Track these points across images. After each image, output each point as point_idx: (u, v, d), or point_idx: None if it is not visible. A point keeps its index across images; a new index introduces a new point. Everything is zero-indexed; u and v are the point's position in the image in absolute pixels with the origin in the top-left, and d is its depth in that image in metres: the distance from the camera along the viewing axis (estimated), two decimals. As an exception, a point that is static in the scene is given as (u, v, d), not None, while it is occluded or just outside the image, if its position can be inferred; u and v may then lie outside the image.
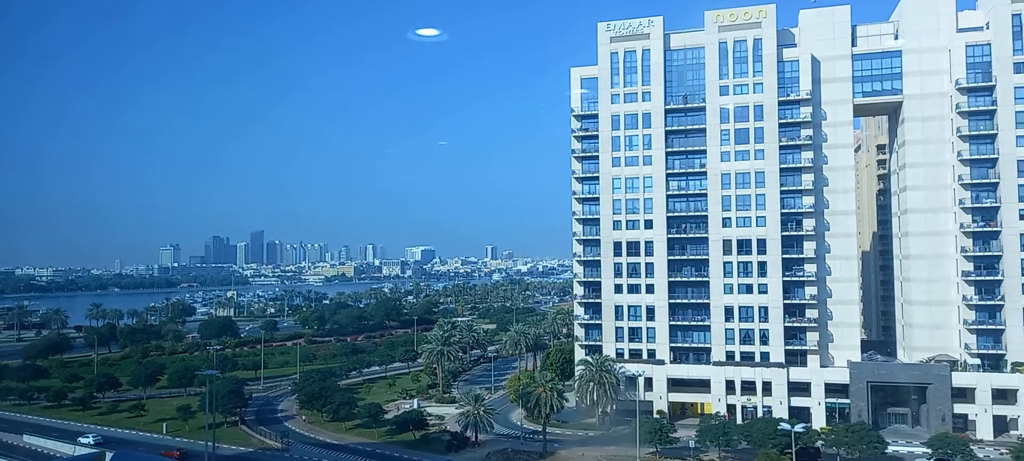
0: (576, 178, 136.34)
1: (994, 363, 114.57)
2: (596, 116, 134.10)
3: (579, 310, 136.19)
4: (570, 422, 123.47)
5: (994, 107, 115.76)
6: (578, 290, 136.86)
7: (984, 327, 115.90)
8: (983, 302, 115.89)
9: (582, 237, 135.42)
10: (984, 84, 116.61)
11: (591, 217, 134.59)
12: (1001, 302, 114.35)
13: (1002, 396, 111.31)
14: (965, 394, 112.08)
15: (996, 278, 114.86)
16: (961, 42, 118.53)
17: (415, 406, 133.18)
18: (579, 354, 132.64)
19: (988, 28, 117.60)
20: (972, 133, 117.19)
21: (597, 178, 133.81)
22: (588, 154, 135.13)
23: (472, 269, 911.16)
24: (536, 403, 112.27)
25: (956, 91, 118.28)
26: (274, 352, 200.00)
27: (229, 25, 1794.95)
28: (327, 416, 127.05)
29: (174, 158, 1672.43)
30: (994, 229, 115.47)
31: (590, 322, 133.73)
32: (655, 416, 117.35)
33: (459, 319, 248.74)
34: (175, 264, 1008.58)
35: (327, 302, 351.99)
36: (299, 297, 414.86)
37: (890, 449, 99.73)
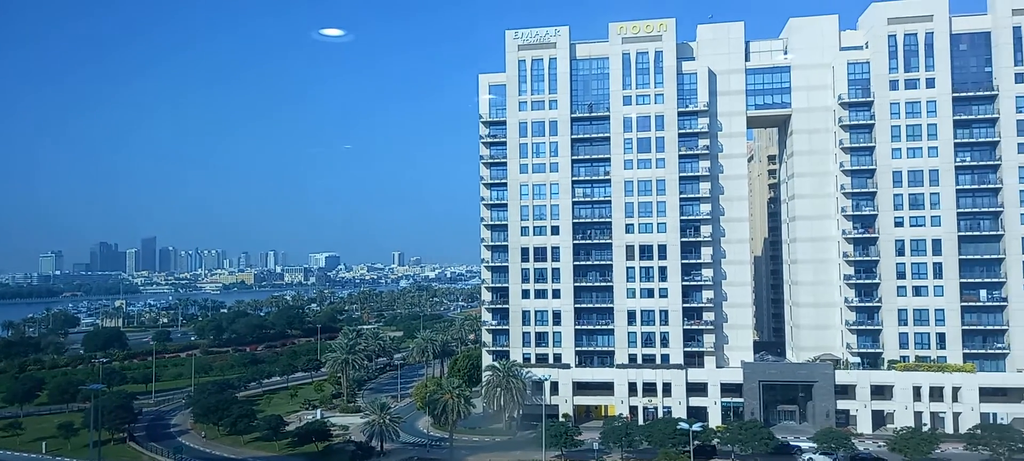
0: (485, 184, 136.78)
1: (873, 361, 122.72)
2: (504, 123, 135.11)
3: (487, 316, 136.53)
4: (477, 428, 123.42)
5: (872, 121, 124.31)
6: (486, 296, 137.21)
7: (864, 327, 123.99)
8: (863, 304, 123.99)
9: (490, 243, 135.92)
10: (864, 99, 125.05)
11: (499, 223, 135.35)
12: (879, 304, 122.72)
13: (879, 392, 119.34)
14: (847, 391, 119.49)
15: (874, 281, 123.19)
16: (843, 60, 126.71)
17: (318, 417, 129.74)
18: (487, 360, 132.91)
19: (867, 48, 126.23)
20: (853, 145, 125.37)
21: (505, 184, 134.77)
22: (496, 160, 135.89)
23: (378, 275, 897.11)
24: (443, 410, 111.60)
25: (839, 106, 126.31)
26: (167, 364, 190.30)
27: (124, 22, 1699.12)
28: (224, 429, 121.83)
29: (58, 160, 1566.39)
30: (872, 235, 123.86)
31: (498, 327, 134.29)
32: (560, 420, 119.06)
33: (365, 327, 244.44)
34: (57, 272, 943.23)
35: (225, 311, 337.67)
36: (194, 306, 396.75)
37: (779, 445, 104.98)
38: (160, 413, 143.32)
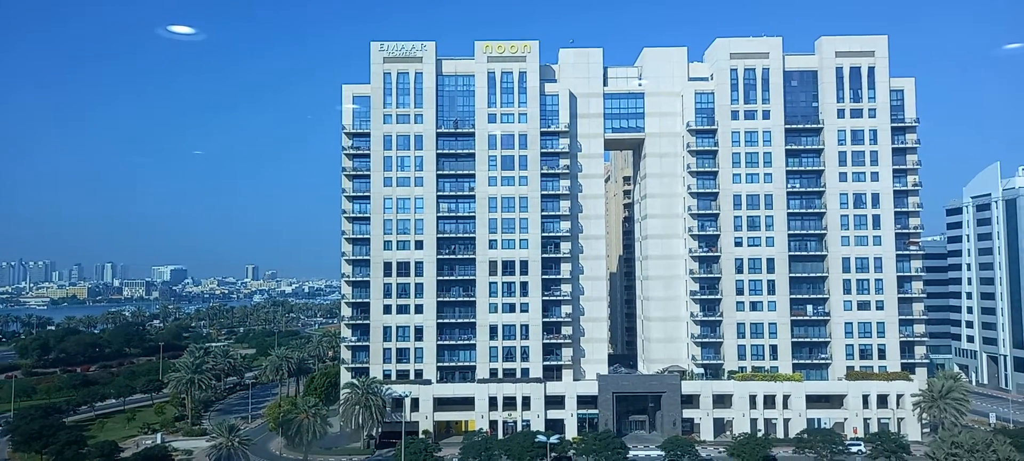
0: (346, 197, 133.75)
1: (715, 372, 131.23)
2: (368, 135, 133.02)
3: (347, 332, 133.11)
4: (334, 448, 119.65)
5: (716, 147, 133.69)
6: (346, 311, 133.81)
7: (707, 340, 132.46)
8: (706, 318, 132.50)
9: (352, 257, 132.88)
10: (709, 127, 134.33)
11: (361, 237, 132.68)
12: (720, 318, 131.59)
13: (721, 401, 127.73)
14: (692, 400, 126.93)
15: (716, 297, 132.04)
16: (691, 89, 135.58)
17: (158, 441, 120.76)
18: (346, 377, 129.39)
19: (712, 79, 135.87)
20: (699, 169, 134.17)
21: (368, 197, 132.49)
22: (359, 173, 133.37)
23: (230, 290, 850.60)
24: (297, 430, 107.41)
25: (687, 132, 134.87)
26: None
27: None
28: (49, 458, 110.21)
29: None
30: (715, 254, 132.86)
31: (358, 344, 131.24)
32: (420, 436, 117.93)
33: (214, 344, 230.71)
34: None
35: (53, 328, 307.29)
36: (16, 323, 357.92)
37: (631, 454, 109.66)
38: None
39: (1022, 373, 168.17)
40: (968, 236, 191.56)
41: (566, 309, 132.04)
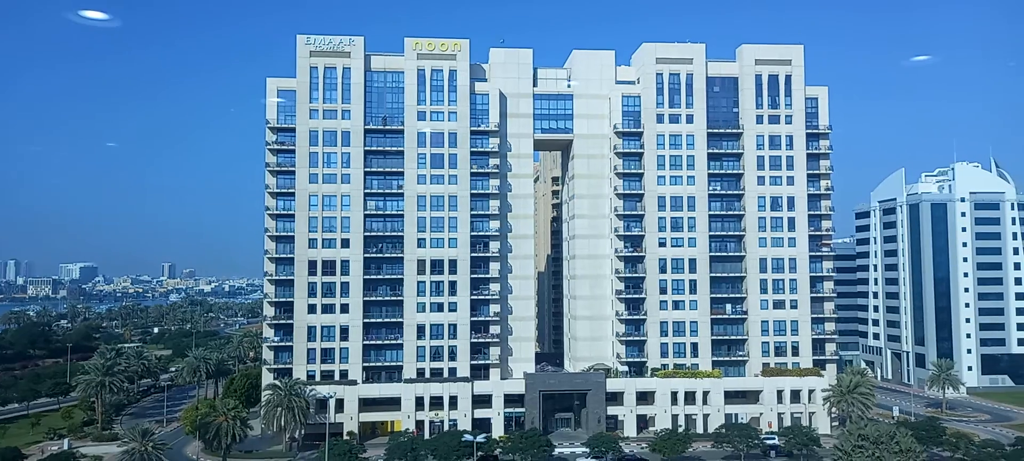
0: (270, 193, 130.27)
1: (638, 369, 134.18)
2: (293, 130, 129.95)
3: (269, 332, 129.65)
4: (255, 452, 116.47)
5: (642, 150, 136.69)
6: (269, 311, 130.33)
7: (631, 338, 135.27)
8: (631, 317, 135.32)
9: (275, 255, 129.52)
10: (635, 130, 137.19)
11: (286, 234, 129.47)
12: (644, 317, 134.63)
13: (644, 398, 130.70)
14: (616, 398, 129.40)
15: (641, 296, 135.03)
16: (619, 92, 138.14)
17: (65, 447, 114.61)
18: (268, 378, 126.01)
19: (639, 83, 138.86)
20: (625, 171, 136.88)
21: (293, 194, 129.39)
22: (284, 169, 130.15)
23: (145, 289, 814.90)
24: (216, 433, 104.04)
25: (614, 134, 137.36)
26: None
27: None
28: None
29: None
30: (640, 254, 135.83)
31: (281, 344, 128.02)
32: (345, 438, 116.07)
33: (127, 345, 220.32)
34: None
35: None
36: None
37: (557, 451, 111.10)
38: None
39: (922, 369, 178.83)
40: (875, 239, 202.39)
41: (494, 308, 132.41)
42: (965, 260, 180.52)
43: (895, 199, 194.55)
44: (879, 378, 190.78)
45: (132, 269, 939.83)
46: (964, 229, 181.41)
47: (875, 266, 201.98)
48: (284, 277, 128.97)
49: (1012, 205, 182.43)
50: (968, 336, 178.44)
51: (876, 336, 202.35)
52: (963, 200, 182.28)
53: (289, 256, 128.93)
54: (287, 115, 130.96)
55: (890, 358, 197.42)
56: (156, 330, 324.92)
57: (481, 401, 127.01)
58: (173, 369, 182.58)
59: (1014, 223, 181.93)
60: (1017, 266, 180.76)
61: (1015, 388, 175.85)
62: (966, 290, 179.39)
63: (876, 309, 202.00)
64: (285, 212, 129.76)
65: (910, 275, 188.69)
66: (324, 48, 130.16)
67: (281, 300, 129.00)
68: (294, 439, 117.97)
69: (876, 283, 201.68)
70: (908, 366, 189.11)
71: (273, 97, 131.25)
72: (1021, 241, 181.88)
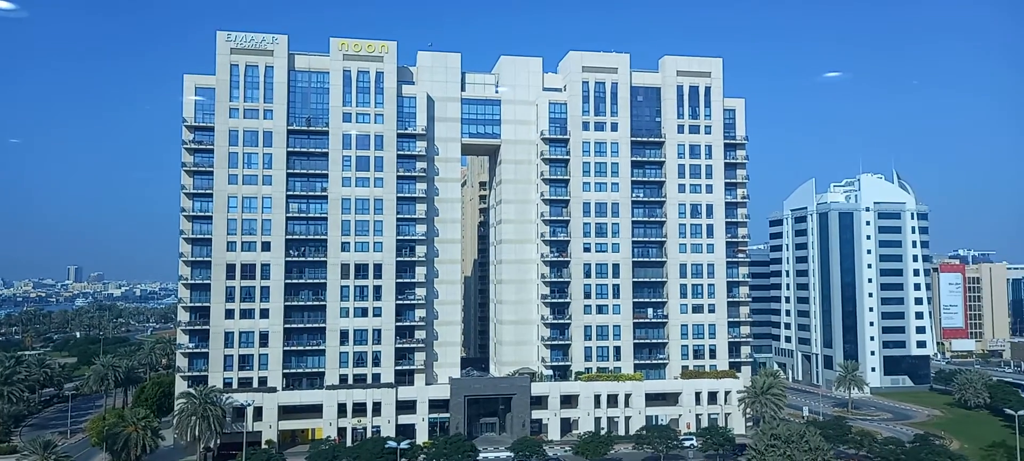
0: (186, 194, 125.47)
1: (563, 373, 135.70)
2: (212, 129, 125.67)
3: (184, 338, 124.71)
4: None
5: (568, 157, 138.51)
6: (183, 316, 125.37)
7: (556, 342, 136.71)
8: (556, 321, 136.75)
9: (191, 258, 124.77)
10: (561, 136, 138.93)
11: (202, 237, 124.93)
12: (569, 321, 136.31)
13: (568, 401, 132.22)
14: (541, 401, 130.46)
15: (565, 301, 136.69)
16: (546, 99, 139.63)
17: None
18: (181, 386, 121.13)
19: (565, 90, 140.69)
20: (551, 177, 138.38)
21: (211, 195, 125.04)
22: (201, 169, 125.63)
23: (49, 293, 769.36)
24: (124, 444, 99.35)
25: (541, 140, 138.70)
26: None
27: None
28: None
29: None
30: (565, 259, 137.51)
31: (196, 351, 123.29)
32: (263, 447, 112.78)
33: (27, 352, 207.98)
34: None
35: None
36: None
37: (481, 456, 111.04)
38: None
39: (830, 370, 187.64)
40: (787, 246, 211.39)
41: (420, 313, 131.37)
42: (869, 266, 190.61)
43: (806, 208, 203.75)
44: (790, 379, 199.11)
45: (34, 272, 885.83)
46: (868, 237, 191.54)
47: (787, 272, 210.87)
48: (200, 281, 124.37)
49: (912, 215, 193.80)
50: (872, 339, 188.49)
51: (788, 339, 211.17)
52: (868, 209, 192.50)
53: (206, 259, 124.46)
54: (205, 113, 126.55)
55: (801, 360, 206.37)
56: (60, 336, 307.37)
57: (405, 407, 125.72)
58: (79, 377, 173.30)
59: (913, 232, 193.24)
60: (916, 273, 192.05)
61: (914, 388, 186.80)
62: (870, 295, 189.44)
63: (788, 313, 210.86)
64: (202, 214, 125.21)
65: (819, 281, 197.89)
66: (245, 45, 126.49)
67: (197, 305, 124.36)
68: (209, 449, 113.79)
69: (788, 288, 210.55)
70: (817, 367, 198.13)
71: (190, 95, 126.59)
72: (920, 249, 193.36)
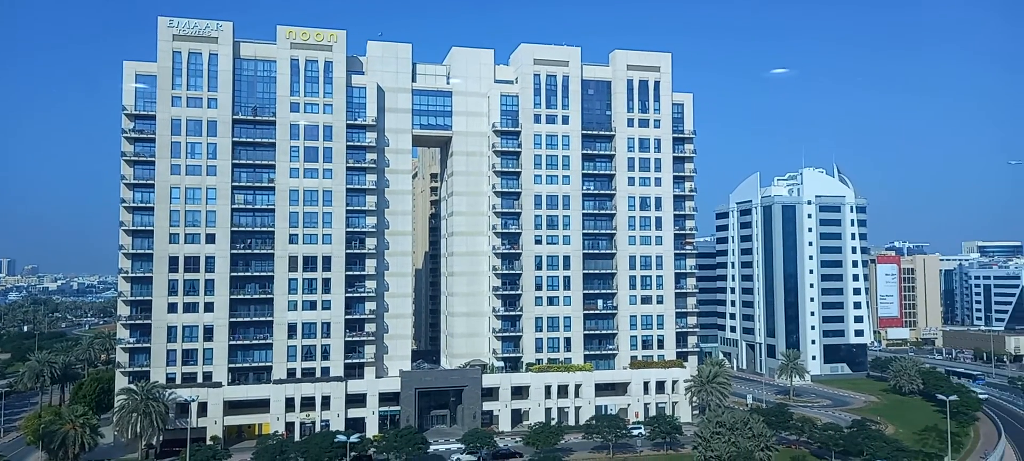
0: (127, 184, 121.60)
1: (514, 364, 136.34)
2: (154, 118, 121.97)
3: (124, 332, 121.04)
4: (107, 460, 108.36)
5: (519, 149, 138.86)
6: (124, 310, 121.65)
7: (508, 334, 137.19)
8: (508, 313, 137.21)
9: (131, 251, 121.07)
10: (513, 129, 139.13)
11: (144, 229, 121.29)
12: (520, 313, 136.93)
13: (519, 392, 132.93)
14: (492, 393, 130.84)
15: (517, 292, 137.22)
16: (498, 91, 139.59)
17: None
18: (122, 382, 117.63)
19: (517, 83, 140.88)
20: (503, 169, 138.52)
21: (153, 186, 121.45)
22: (143, 159, 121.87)
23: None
24: (62, 443, 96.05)
25: (493, 132, 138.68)
26: None
27: None
28: None
29: None
30: (517, 251, 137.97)
31: (137, 346, 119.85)
32: (209, 443, 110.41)
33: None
34: None
35: None
36: None
37: (432, 448, 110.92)
38: None
39: (773, 359, 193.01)
40: (732, 238, 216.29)
41: (370, 306, 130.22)
42: (810, 258, 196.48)
43: (751, 201, 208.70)
44: (735, 368, 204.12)
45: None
46: (810, 229, 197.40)
47: (733, 263, 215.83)
48: (142, 274, 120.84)
49: (851, 208, 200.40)
50: (813, 328, 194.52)
51: (733, 329, 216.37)
52: (809, 203, 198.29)
53: (148, 252, 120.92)
54: (147, 102, 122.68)
55: (745, 349, 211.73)
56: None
57: (355, 401, 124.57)
58: (12, 374, 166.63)
59: (853, 225, 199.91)
60: (855, 264, 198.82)
61: (852, 375, 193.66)
62: (811, 286, 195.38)
63: (733, 303, 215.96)
64: (143, 205, 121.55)
65: (763, 272, 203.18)
66: (189, 32, 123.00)
67: (138, 299, 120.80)
68: (151, 446, 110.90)
69: (733, 279, 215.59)
70: (761, 356, 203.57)
71: (131, 82, 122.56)
72: (858, 241, 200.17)
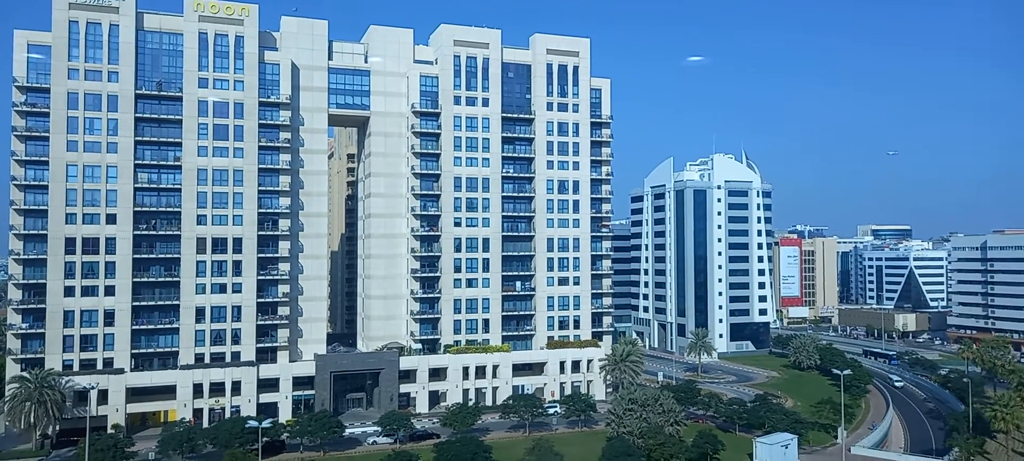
0: (17, 161, 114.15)
1: (432, 346, 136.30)
2: (48, 91, 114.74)
3: (15, 318, 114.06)
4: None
5: (439, 130, 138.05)
6: (15, 294, 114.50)
7: (426, 317, 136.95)
8: (426, 295, 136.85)
9: (23, 231, 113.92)
10: (432, 110, 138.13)
11: (37, 208, 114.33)
12: (438, 295, 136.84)
13: (437, 374, 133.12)
14: (410, 376, 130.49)
15: (436, 274, 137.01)
16: (417, 72, 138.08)
17: None
18: (14, 370, 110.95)
19: (437, 63, 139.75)
20: (422, 151, 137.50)
21: (47, 163, 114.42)
22: (36, 134, 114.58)
23: None
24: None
25: (412, 113, 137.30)
26: None
27: None
28: None
29: None
30: (436, 233, 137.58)
31: (30, 331, 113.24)
32: (110, 431, 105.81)
33: None
34: None
35: None
36: None
37: (347, 432, 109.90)
38: None
39: (683, 337, 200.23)
40: (646, 221, 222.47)
41: (284, 288, 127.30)
42: (719, 240, 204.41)
43: (664, 185, 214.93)
44: (648, 347, 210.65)
45: None
46: (719, 213, 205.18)
47: (646, 246, 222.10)
48: (35, 256, 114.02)
49: (758, 193, 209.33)
50: (720, 308, 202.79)
51: (646, 309, 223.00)
52: (719, 187, 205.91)
53: (42, 232, 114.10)
54: (40, 74, 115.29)
55: (657, 328, 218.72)
56: None
57: (268, 385, 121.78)
58: None
59: (759, 209, 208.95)
60: (760, 246, 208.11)
61: (756, 352, 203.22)
62: (719, 267, 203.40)
63: (647, 284, 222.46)
64: (37, 183, 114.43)
65: (675, 253, 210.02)
66: (87, 1, 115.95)
67: (31, 282, 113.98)
68: (47, 436, 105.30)
69: (647, 261, 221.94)
70: (672, 335, 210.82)
71: (23, 53, 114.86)
72: (764, 224, 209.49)
